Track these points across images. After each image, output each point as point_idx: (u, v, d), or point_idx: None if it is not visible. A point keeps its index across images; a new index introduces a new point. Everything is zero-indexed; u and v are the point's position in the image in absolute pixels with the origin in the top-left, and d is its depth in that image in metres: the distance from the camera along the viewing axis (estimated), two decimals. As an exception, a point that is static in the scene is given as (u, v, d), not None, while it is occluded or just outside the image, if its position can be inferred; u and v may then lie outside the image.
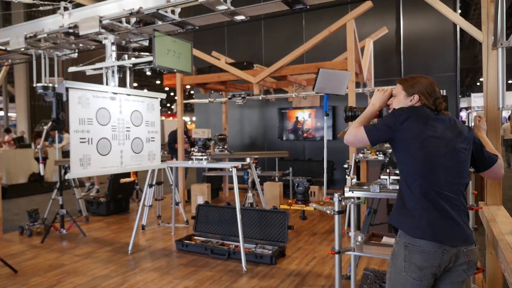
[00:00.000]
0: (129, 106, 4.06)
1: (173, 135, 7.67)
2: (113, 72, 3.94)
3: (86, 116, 3.60)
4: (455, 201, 1.70)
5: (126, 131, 4.01)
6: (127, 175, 6.70)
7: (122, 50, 4.11)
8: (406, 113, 1.75)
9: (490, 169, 1.87)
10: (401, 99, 1.87)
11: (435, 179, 1.69)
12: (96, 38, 3.89)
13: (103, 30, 3.53)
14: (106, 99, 3.80)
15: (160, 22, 3.49)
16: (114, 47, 3.90)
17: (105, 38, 3.86)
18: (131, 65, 4.00)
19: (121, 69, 4.00)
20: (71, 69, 4.10)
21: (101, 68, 3.99)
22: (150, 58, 3.74)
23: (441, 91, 1.90)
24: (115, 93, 3.90)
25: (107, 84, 3.96)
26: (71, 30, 3.71)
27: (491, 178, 2.58)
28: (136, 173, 6.58)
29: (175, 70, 3.95)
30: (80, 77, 4.31)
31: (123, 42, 3.99)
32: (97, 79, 4.05)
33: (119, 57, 3.97)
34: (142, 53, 4.03)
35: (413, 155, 1.72)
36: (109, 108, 3.82)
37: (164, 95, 4.54)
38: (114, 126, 3.87)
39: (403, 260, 1.71)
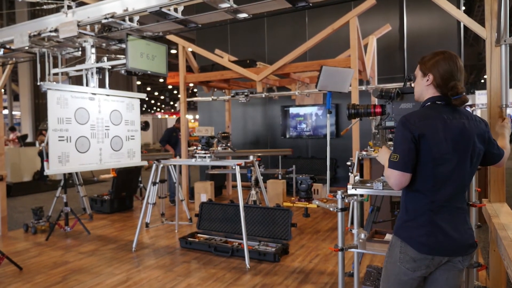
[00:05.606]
0: (108, 106, 4.21)
1: (169, 132, 7.64)
2: (92, 73, 4.07)
3: (64, 116, 3.74)
4: (460, 205, 1.71)
5: (105, 129, 4.15)
6: (106, 172, 6.75)
7: (105, 52, 4.21)
8: (418, 128, 1.65)
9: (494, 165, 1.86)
10: (418, 80, 1.81)
11: (441, 196, 1.67)
12: (76, 41, 3.96)
13: (81, 33, 3.62)
14: (85, 100, 3.95)
15: (155, 21, 3.53)
16: (93, 50, 4.03)
17: (84, 41, 3.96)
18: (109, 67, 4.11)
19: (101, 70, 4.13)
20: (54, 70, 4.18)
21: (81, 70, 4.11)
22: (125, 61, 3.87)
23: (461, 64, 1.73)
24: (94, 94, 4.04)
25: (87, 85, 4.08)
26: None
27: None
28: (115, 169, 6.62)
29: (149, 72, 4.09)
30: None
31: (103, 45, 4.08)
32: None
33: (98, 59, 4.10)
34: (119, 56, 4.14)
35: (421, 172, 1.68)
36: (88, 108, 3.98)
37: (144, 95, 4.66)
38: (93, 125, 4.03)
39: (399, 252, 1.73)
